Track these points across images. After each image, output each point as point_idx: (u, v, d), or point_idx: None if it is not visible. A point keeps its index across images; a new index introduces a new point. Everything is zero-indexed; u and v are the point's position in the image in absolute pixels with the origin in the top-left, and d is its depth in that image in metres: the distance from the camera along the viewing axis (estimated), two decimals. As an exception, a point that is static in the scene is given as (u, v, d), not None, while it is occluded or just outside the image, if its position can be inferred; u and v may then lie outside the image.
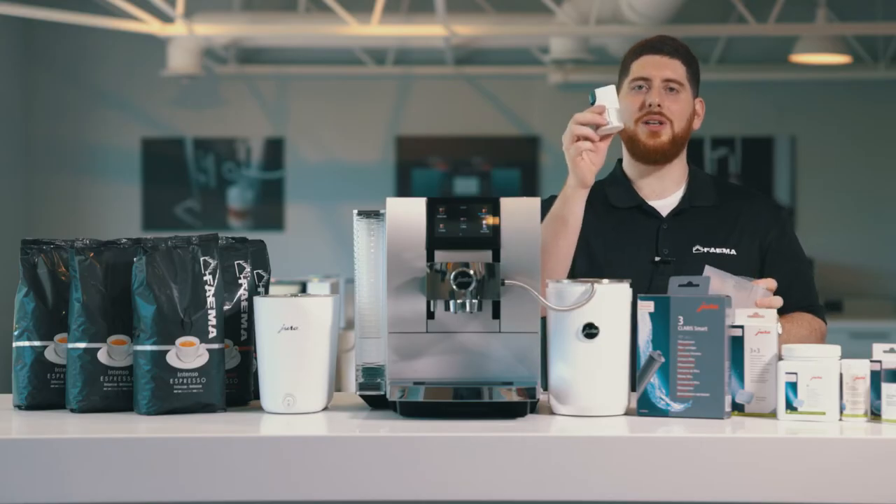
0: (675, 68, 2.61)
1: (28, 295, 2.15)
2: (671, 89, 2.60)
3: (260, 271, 2.21)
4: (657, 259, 2.57)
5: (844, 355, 1.97)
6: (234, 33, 7.27)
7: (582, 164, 2.39)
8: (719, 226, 2.62)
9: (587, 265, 2.57)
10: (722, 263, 2.51)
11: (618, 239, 2.60)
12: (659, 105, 2.58)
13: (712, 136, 8.08)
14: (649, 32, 6.56)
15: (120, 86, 8.20)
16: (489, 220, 2.04)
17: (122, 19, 6.90)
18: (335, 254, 8.06)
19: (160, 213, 8.18)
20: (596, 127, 2.35)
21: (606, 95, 2.36)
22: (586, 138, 2.36)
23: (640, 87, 2.61)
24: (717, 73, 8.05)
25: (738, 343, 2.01)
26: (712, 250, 2.58)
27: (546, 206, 2.66)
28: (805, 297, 2.61)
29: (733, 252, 2.58)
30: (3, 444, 1.80)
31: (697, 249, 2.58)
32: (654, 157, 2.61)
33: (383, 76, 8.20)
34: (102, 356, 2.07)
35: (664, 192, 2.65)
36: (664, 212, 2.63)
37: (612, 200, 2.66)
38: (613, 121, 2.35)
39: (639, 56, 2.63)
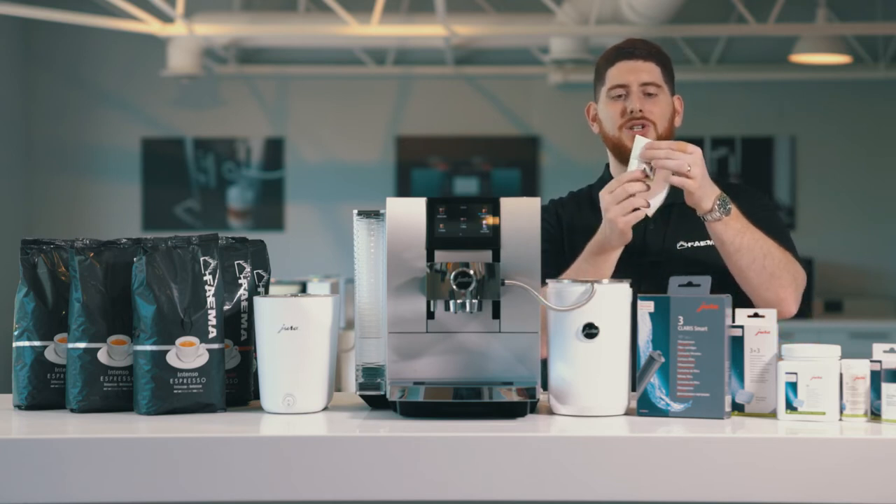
0: (650, 71, 2.63)
1: (28, 295, 2.15)
2: (649, 94, 2.62)
3: (260, 271, 2.21)
4: (645, 259, 2.57)
5: (844, 355, 1.97)
6: (234, 33, 7.27)
7: (630, 220, 2.38)
8: (700, 219, 2.60)
9: None
10: (706, 255, 2.52)
11: None
12: (640, 110, 2.60)
13: (712, 136, 8.08)
14: (649, 32, 6.58)
15: (120, 86, 8.20)
16: (489, 220, 2.04)
17: (122, 19, 6.90)
18: (335, 254, 8.06)
19: (160, 213, 8.19)
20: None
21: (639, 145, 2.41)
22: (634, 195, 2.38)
23: (619, 95, 2.63)
24: (717, 73, 8.05)
25: (738, 343, 2.01)
26: (696, 244, 2.58)
27: (544, 213, 2.66)
28: (778, 239, 2.53)
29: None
30: (3, 444, 1.80)
31: (682, 245, 2.59)
32: None
33: (383, 76, 8.20)
34: (102, 356, 2.07)
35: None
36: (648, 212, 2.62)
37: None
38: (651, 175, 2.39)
39: (613, 63, 2.65)
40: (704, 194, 2.38)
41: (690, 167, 2.35)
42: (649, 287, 2.45)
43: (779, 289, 2.44)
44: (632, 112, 2.61)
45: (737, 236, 2.41)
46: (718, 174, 7.92)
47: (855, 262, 8.09)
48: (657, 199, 2.40)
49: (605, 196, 2.41)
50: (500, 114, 8.24)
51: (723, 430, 1.87)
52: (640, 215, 2.38)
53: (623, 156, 2.64)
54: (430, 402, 1.96)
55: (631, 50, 2.65)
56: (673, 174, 2.35)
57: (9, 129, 7.92)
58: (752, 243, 2.42)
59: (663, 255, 2.59)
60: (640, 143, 2.40)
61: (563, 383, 2.00)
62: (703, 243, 2.57)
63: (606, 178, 2.73)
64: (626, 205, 2.37)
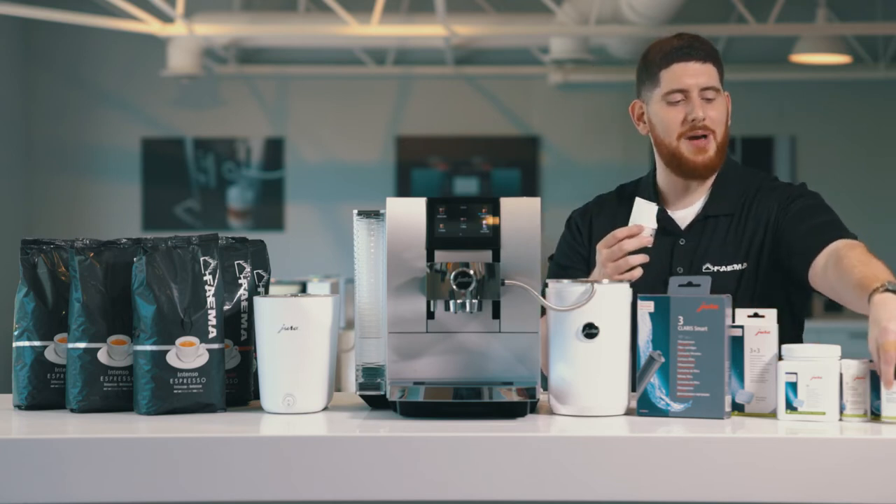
0: (709, 74, 2.50)
1: (28, 295, 2.15)
2: (708, 99, 2.50)
3: (260, 271, 2.21)
4: (668, 275, 2.51)
5: (844, 355, 1.97)
6: (234, 33, 7.27)
7: (626, 279, 2.24)
8: (732, 238, 2.53)
9: None
10: (731, 280, 2.45)
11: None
12: (703, 119, 2.49)
13: (712, 136, 8.08)
14: (649, 32, 6.58)
15: (120, 86, 8.20)
16: (489, 220, 2.04)
17: (122, 19, 6.90)
18: (335, 254, 8.06)
19: (160, 213, 8.19)
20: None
21: (646, 214, 2.35)
22: (629, 252, 2.33)
23: (676, 101, 2.50)
24: (717, 73, 8.05)
25: (738, 343, 2.01)
26: (722, 268, 2.49)
27: (573, 226, 2.64)
28: (838, 231, 2.41)
29: (744, 265, 2.50)
30: (3, 444, 1.80)
31: (707, 268, 2.50)
32: (703, 174, 2.53)
33: (383, 76, 8.20)
34: (102, 356, 2.07)
35: (691, 200, 2.58)
36: (683, 223, 2.55)
37: None
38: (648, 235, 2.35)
39: (668, 64, 2.50)
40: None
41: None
42: None
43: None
44: (694, 121, 2.48)
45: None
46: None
47: (855, 262, 8.07)
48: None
49: (601, 250, 2.35)
50: (500, 114, 8.24)
51: (723, 430, 1.86)
52: (635, 274, 2.31)
53: (681, 167, 2.53)
54: (430, 402, 1.96)
55: (688, 51, 2.49)
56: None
57: (9, 129, 7.92)
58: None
59: (689, 274, 2.50)
60: (640, 206, 2.34)
61: (563, 383, 2.00)
62: (729, 268, 2.49)
63: (649, 182, 2.62)
64: (621, 264, 2.31)
